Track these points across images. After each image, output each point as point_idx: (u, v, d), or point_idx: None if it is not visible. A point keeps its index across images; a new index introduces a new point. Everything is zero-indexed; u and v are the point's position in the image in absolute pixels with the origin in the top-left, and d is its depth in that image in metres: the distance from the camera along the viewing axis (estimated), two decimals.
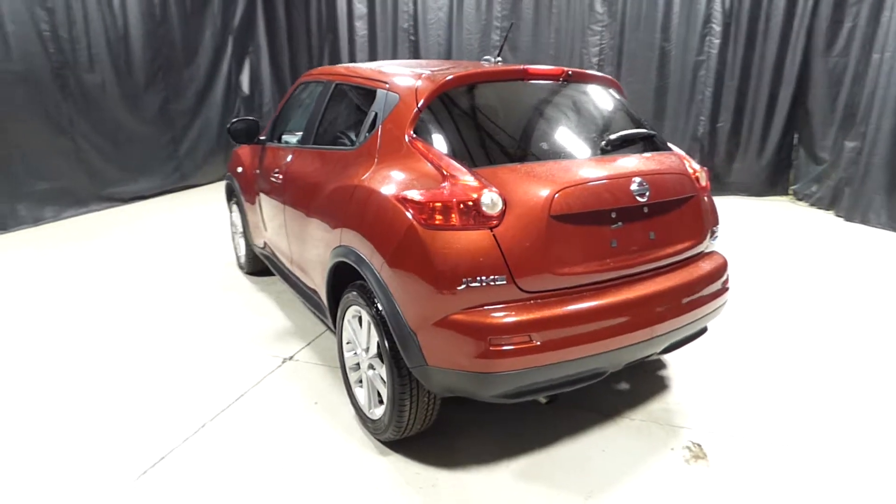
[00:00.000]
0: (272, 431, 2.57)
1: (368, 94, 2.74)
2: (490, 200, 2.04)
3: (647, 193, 2.29)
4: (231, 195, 4.50)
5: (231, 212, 4.64)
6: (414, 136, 2.33)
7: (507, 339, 1.98)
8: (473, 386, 2.07)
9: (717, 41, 7.13)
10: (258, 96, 8.86)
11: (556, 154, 2.38)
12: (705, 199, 2.66)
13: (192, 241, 5.49)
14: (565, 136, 2.55)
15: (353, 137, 2.74)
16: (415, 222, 2.06)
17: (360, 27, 8.33)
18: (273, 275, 4.04)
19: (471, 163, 2.22)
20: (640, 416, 2.73)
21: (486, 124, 2.49)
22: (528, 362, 2.02)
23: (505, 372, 2.01)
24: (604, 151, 2.46)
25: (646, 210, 2.33)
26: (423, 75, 2.53)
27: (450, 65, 2.96)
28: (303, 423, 2.63)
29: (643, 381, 3.03)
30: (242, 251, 4.47)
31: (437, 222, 2.04)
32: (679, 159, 2.68)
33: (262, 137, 3.77)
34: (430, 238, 2.03)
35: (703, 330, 2.70)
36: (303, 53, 8.76)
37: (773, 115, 7.21)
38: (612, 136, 2.50)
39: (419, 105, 2.37)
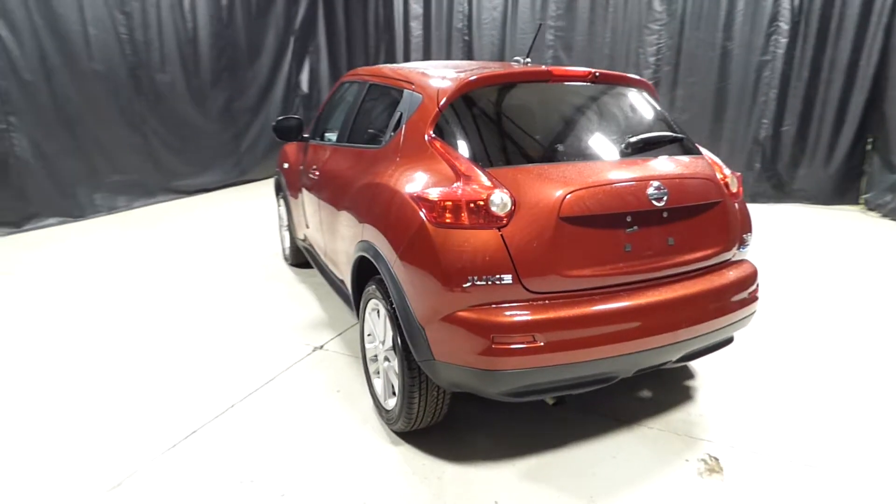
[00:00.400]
0: (294, 415, 2.70)
1: (397, 94, 2.82)
2: (499, 201, 2.07)
3: (666, 198, 2.25)
4: (279, 190, 4.72)
5: (279, 206, 4.86)
6: (433, 135, 2.39)
7: (511, 338, 2.01)
8: (478, 382, 2.11)
9: (783, 40, 6.79)
10: (316, 95, 9.17)
11: (574, 156, 2.37)
12: (734, 205, 2.57)
13: (245, 232, 5.78)
14: (586, 137, 2.54)
15: (381, 136, 2.83)
16: (426, 220, 2.12)
17: (416, 27, 8.47)
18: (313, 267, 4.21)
19: (487, 163, 2.25)
20: (659, 425, 2.67)
21: (505, 125, 2.52)
22: (531, 362, 2.04)
23: (508, 370, 2.04)
24: (624, 154, 2.44)
25: (665, 215, 2.29)
26: (448, 76, 2.59)
27: (480, 66, 3.00)
28: (323, 409, 2.75)
29: (668, 390, 2.96)
30: (287, 243, 4.68)
31: (447, 221, 2.09)
32: (708, 164, 2.61)
33: (305, 135, 3.94)
34: (440, 236, 2.08)
35: (729, 340, 2.62)
36: (360, 53, 8.99)
37: (845, 118, 6.78)
38: (633, 139, 2.46)
39: (440, 105, 2.43)
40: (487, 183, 2.13)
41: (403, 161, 2.48)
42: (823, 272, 4.77)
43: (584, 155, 2.40)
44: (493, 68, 2.76)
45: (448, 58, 8.39)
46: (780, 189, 7.25)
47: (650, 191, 2.23)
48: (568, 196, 2.11)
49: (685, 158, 2.58)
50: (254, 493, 2.19)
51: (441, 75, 2.66)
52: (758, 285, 2.62)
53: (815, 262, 5.01)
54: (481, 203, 2.07)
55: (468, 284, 2.03)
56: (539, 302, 2.08)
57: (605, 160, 2.39)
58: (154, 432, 2.55)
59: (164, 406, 2.75)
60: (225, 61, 7.66)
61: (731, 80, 7.12)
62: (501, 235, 2.06)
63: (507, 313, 2.04)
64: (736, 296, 2.46)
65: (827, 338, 3.58)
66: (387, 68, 3.24)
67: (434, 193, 2.13)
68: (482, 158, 2.28)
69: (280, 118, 3.78)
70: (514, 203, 2.09)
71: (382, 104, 3.05)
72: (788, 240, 5.67)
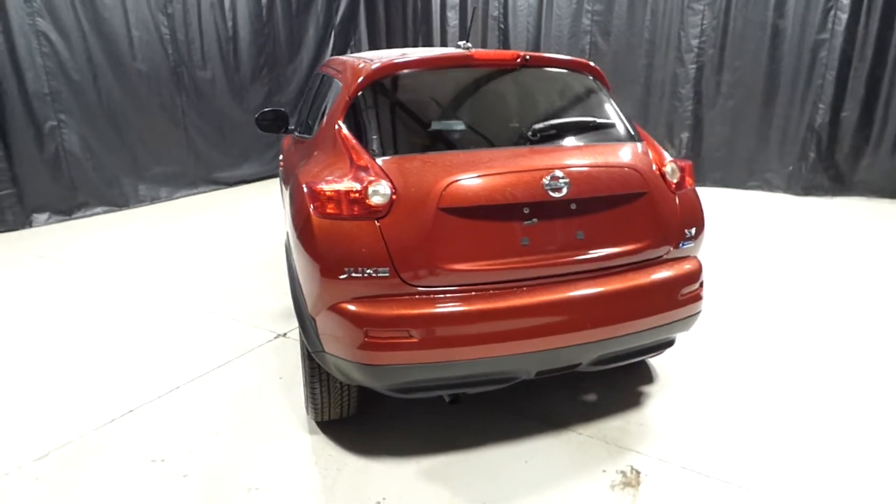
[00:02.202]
0: (230, 400, 2.78)
1: (331, 84, 2.82)
2: (377, 191, 2.02)
3: (566, 189, 2.10)
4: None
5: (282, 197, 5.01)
6: (341, 125, 2.36)
7: (384, 332, 1.97)
8: (360, 376, 2.08)
9: (843, 16, 6.10)
10: None
11: (474, 144, 2.27)
12: (671, 198, 2.35)
13: (267, 222, 6.00)
14: (493, 125, 2.42)
15: (315, 127, 2.84)
16: (311, 211, 2.11)
17: (452, 17, 8.40)
18: None
19: (381, 152, 2.20)
20: (591, 431, 2.52)
21: (409, 113, 2.45)
22: (406, 358, 1.98)
23: (384, 365, 2.00)
24: (531, 142, 2.30)
25: (573, 207, 2.14)
26: (372, 64, 2.54)
27: (415, 52, 2.92)
28: (260, 395, 2.81)
29: (615, 396, 2.78)
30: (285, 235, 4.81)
31: (328, 211, 2.06)
32: (638, 152, 2.40)
33: (290, 127, 4.02)
34: (322, 227, 2.06)
35: (667, 343, 2.42)
36: (397, 43, 9.04)
37: None
38: (539, 126, 2.31)
39: (350, 94, 2.40)
40: (369, 173, 2.08)
41: (318, 151, 2.48)
42: (881, 275, 4.27)
43: (485, 143, 2.29)
44: (419, 55, 2.67)
45: (483, 46, 8.26)
46: (838, 181, 6.56)
47: (546, 181, 2.08)
48: (448, 186, 2.02)
49: (609, 146, 2.40)
50: (159, 472, 2.29)
51: (368, 63, 2.61)
52: (701, 284, 2.39)
53: (872, 264, 4.50)
54: (358, 194, 2.02)
55: (344, 276, 2.00)
56: (418, 297, 2.01)
57: (505, 149, 2.26)
58: (96, 408, 2.72)
59: (114, 383, 2.93)
60: (265, 57, 7.96)
61: (783, 63, 6.52)
62: (379, 227, 2.01)
63: (381, 307, 1.99)
64: (666, 295, 2.26)
65: (846, 354, 3.22)
66: (339, 58, 3.24)
67: (320, 185, 2.11)
68: (378, 148, 2.23)
69: (263, 110, 3.87)
70: (394, 194, 2.03)
71: (323, 94, 3.05)
72: (846, 239, 5.12)
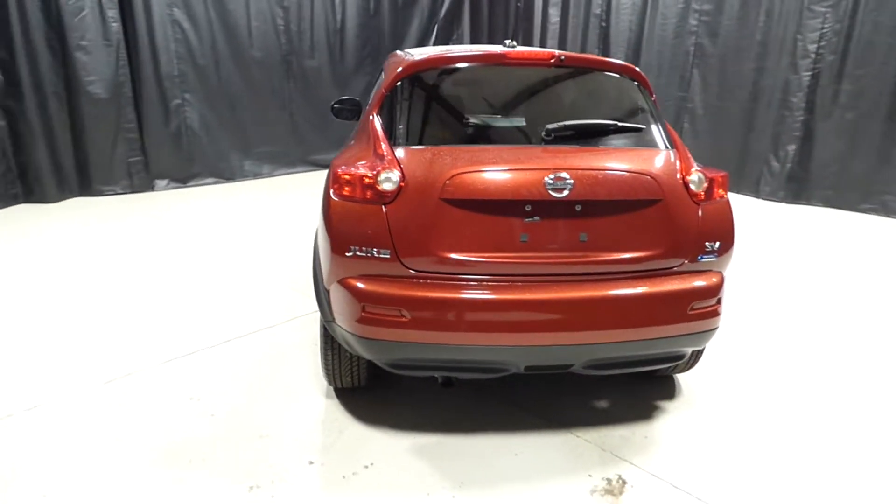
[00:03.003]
0: (269, 358, 3.09)
1: (380, 77, 3.00)
2: (386, 178, 2.17)
3: (569, 190, 2.12)
4: None
5: None
6: (375, 115, 2.54)
7: (379, 309, 2.13)
8: (359, 347, 2.26)
9: None
10: None
11: (490, 140, 2.36)
12: (692, 208, 2.28)
13: None
14: (514, 123, 2.47)
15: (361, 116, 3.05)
16: (332, 192, 2.31)
17: (554, 14, 8.33)
18: None
19: (402, 142, 2.35)
20: (591, 436, 2.53)
21: (435, 108, 2.57)
22: (398, 335, 2.13)
23: (377, 339, 2.16)
24: (546, 142, 2.33)
25: (578, 208, 2.16)
26: (408, 59, 2.68)
27: (459, 49, 3.01)
28: (296, 358, 3.10)
29: (628, 404, 2.76)
30: None
31: (344, 193, 2.25)
32: (662, 159, 2.35)
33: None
34: (337, 206, 2.26)
35: (677, 356, 2.37)
36: (498, 39, 9.09)
37: None
38: (552, 126, 2.33)
39: (386, 87, 2.56)
40: (384, 161, 2.24)
41: (355, 139, 2.68)
42: None
43: (501, 140, 2.36)
44: (457, 52, 2.77)
45: (583, 45, 8.12)
46: None
47: (548, 180, 2.12)
48: (451, 178, 2.13)
49: (629, 151, 2.38)
50: (193, 409, 2.63)
51: (408, 58, 2.76)
52: (719, 301, 2.31)
53: None
54: (370, 180, 2.19)
55: (350, 254, 2.18)
56: (417, 280, 2.15)
57: (518, 146, 2.32)
58: (162, 347, 3.15)
59: (180, 328, 3.37)
60: (369, 49, 8.39)
61: None
62: (385, 212, 2.16)
63: (379, 285, 2.15)
64: (672, 308, 2.21)
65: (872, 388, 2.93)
66: (396, 52, 3.41)
67: (342, 169, 2.30)
68: (399, 138, 2.38)
69: (340, 98, 4.14)
70: (402, 181, 2.17)
71: (374, 87, 3.25)
72: None
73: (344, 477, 2.25)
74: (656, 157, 2.36)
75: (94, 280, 4.07)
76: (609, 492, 2.21)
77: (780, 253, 5.13)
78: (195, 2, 6.65)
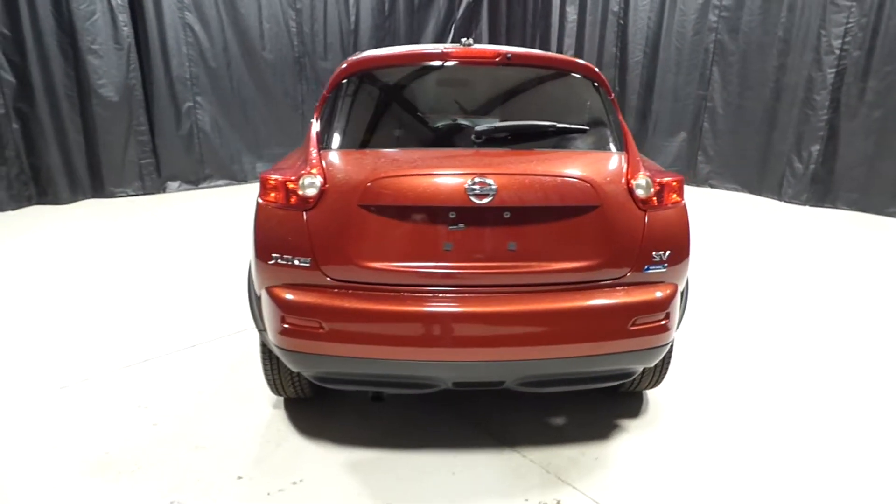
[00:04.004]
0: (228, 364, 3.06)
1: None
2: (306, 183, 2.08)
3: (492, 196, 1.99)
4: None
5: None
6: (314, 120, 2.47)
7: (298, 320, 2.05)
8: (284, 359, 2.18)
9: None
10: None
11: (419, 143, 2.25)
12: (634, 215, 2.12)
13: None
14: (448, 125, 2.35)
15: None
16: (259, 197, 2.24)
17: (571, 12, 8.11)
18: None
19: (329, 146, 2.27)
20: (537, 456, 2.39)
21: (368, 109, 2.47)
22: (317, 348, 2.05)
23: (298, 352, 2.08)
24: (477, 144, 2.21)
25: (506, 215, 2.03)
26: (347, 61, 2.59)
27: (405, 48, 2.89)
28: (255, 365, 3.02)
29: (585, 423, 2.61)
30: None
31: (269, 198, 2.18)
32: (604, 163, 2.20)
33: None
34: (262, 212, 2.19)
35: (624, 374, 2.21)
36: (517, 40, 8.95)
37: None
38: (483, 128, 2.20)
39: (328, 88, 2.49)
40: (311, 166, 2.16)
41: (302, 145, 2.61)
42: None
43: (438, 143, 2.25)
44: (397, 51, 2.66)
45: (601, 43, 7.88)
46: None
47: (469, 186, 2.00)
48: (369, 184, 2.03)
49: (566, 154, 2.25)
50: (138, 416, 2.61)
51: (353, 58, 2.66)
52: (668, 315, 2.13)
53: None
54: (292, 185, 2.11)
55: (272, 262, 2.11)
56: (336, 290, 2.06)
57: (446, 149, 2.21)
58: (122, 351, 3.16)
59: (145, 331, 3.37)
60: None
61: None
62: (306, 218, 2.08)
63: (298, 294, 2.07)
64: (610, 323, 2.06)
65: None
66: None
67: (267, 174, 2.23)
68: (331, 141, 2.30)
69: None
70: (323, 187, 2.08)
71: None
72: None
73: (269, 494, 2.18)
74: (598, 161, 2.21)
75: (89, 281, 4.14)
76: None
77: (802, 259, 4.84)
78: (207, 5, 6.75)
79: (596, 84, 2.50)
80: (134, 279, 4.18)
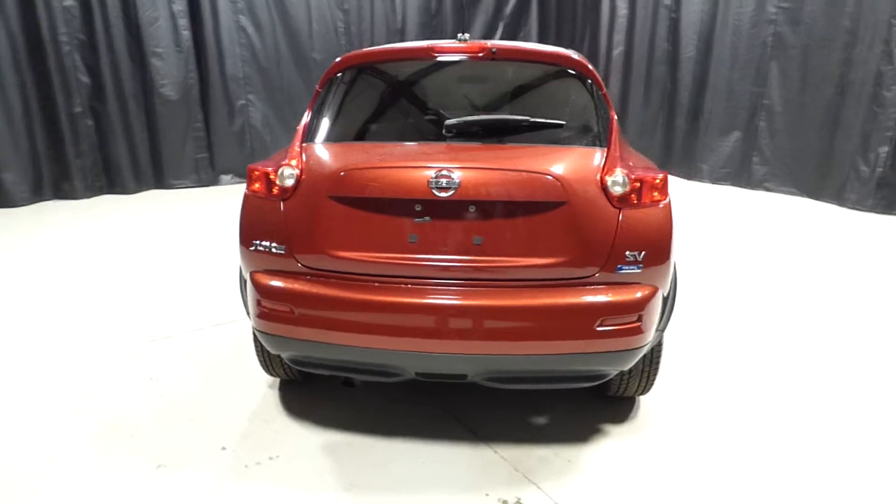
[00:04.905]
0: (236, 345, 3.23)
1: None
2: (283, 174, 2.19)
3: (454, 189, 2.01)
4: None
5: None
6: (306, 113, 2.58)
7: (272, 304, 2.16)
8: (262, 341, 2.30)
9: None
10: None
11: (391, 136, 2.34)
12: (607, 213, 2.07)
13: None
14: (425, 119, 2.39)
15: None
16: (246, 187, 2.38)
17: (621, 6, 7.88)
18: None
19: (315, 139, 2.37)
20: (509, 453, 2.39)
21: (357, 103, 2.54)
22: (287, 331, 2.15)
23: (271, 334, 2.20)
24: (447, 138, 2.24)
25: (471, 209, 2.05)
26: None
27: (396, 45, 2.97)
28: None
29: (567, 423, 2.59)
30: None
31: (253, 188, 2.31)
32: (578, 158, 2.18)
33: None
34: (247, 201, 2.33)
35: (595, 376, 2.18)
36: (567, 36, 8.80)
37: None
38: (452, 122, 2.22)
39: (320, 83, 2.59)
40: (291, 157, 2.26)
41: None
42: None
43: (417, 137, 2.31)
44: (395, 47, 2.74)
45: (652, 37, 7.62)
46: None
47: (433, 179, 2.02)
48: (338, 175, 2.11)
49: (536, 149, 2.24)
50: (148, 387, 2.84)
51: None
52: (640, 318, 2.08)
53: None
54: (272, 176, 2.22)
55: (253, 248, 2.24)
56: (308, 277, 2.15)
57: (418, 143, 2.27)
58: (148, 327, 3.43)
59: (174, 310, 3.63)
60: None
61: None
62: (283, 208, 2.19)
63: (273, 280, 2.18)
64: (574, 323, 2.04)
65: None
66: None
67: (252, 165, 2.36)
68: (315, 134, 2.40)
69: None
70: (299, 178, 2.18)
71: None
72: None
73: (246, 466, 2.31)
74: (570, 156, 2.18)
75: (142, 262, 4.51)
76: None
77: (862, 272, 4.39)
78: (260, 8, 7.09)
79: (583, 77, 2.47)
80: (179, 262, 4.51)
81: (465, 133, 2.27)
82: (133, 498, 2.13)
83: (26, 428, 2.53)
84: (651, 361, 2.45)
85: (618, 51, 8.01)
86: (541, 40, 9.16)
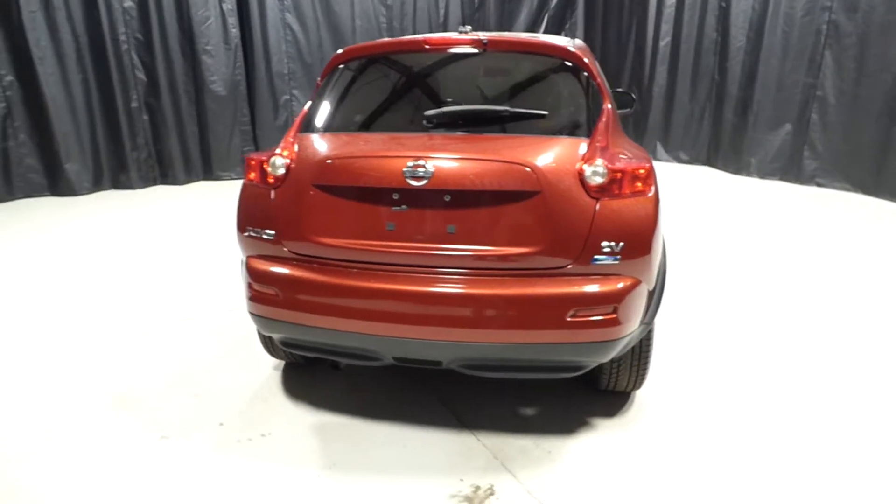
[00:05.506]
0: (249, 329, 3.40)
1: None
2: (274, 163, 2.30)
3: (427, 178, 2.05)
4: None
5: None
6: (308, 104, 2.68)
7: (260, 287, 2.28)
8: (254, 322, 2.43)
9: None
10: None
11: (393, 127, 2.42)
12: (582, 203, 2.06)
13: None
14: (412, 111, 2.43)
15: None
16: (244, 175, 2.50)
17: None
18: None
19: (306, 129, 2.46)
20: (490, 441, 2.43)
21: (349, 94, 2.61)
22: (273, 313, 2.27)
23: (260, 316, 2.32)
24: (428, 129, 2.28)
25: (447, 198, 2.09)
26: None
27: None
28: None
29: (555, 415, 2.60)
30: None
31: (249, 176, 2.43)
32: (556, 148, 2.17)
33: None
34: (244, 188, 2.46)
35: (572, 367, 2.18)
36: (613, 29, 8.60)
37: None
38: (431, 113, 2.25)
39: (321, 76, 2.68)
40: (284, 147, 2.37)
41: None
42: None
43: (405, 128, 2.38)
44: (392, 41, 2.80)
45: (700, 27, 7.34)
46: None
47: (407, 169, 2.07)
48: (321, 165, 2.19)
49: (512, 139, 2.25)
50: (166, 362, 3.04)
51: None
52: (615, 310, 2.06)
53: None
54: (265, 164, 2.33)
55: (247, 234, 2.36)
56: (294, 262, 2.26)
57: (399, 133, 2.35)
58: (192, 305, 3.65)
59: (209, 292, 3.84)
60: None
61: None
62: (273, 195, 2.30)
63: (262, 264, 2.30)
64: (546, 314, 2.04)
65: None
66: None
67: (251, 155, 2.48)
68: (310, 125, 2.50)
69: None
70: (289, 167, 2.28)
71: None
72: None
73: (238, 441, 2.45)
74: (548, 146, 2.17)
75: (188, 247, 4.82)
76: (468, 499, 2.12)
77: None
78: (305, 5, 7.32)
79: (577, 68, 2.45)
80: (217, 249, 4.75)
81: (450, 124, 2.30)
82: (135, 466, 2.31)
83: (42, 396, 2.77)
84: (640, 355, 2.41)
85: (665, 41, 7.76)
86: (587, 32, 9.01)
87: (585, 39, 9.02)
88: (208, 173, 7.37)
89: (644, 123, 8.12)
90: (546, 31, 8.92)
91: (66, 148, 6.48)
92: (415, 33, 8.02)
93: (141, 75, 6.79)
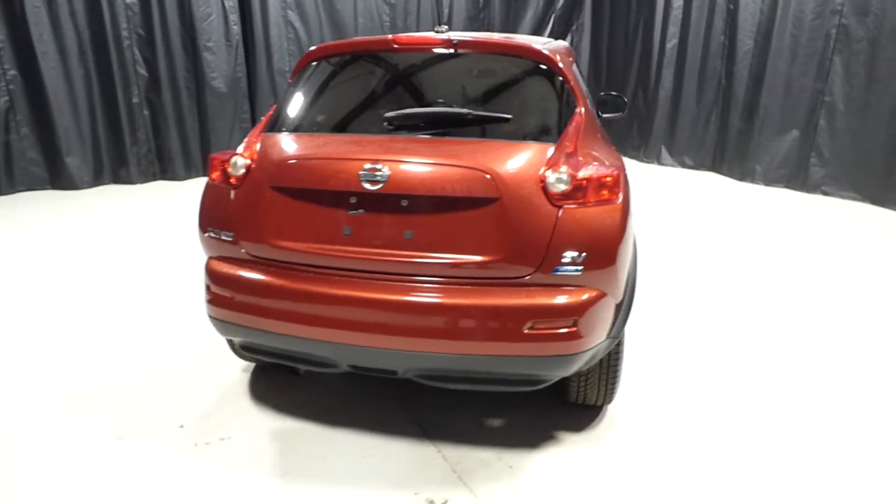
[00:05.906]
0: None
1: None
2: (236, 163, 2.25)
3: (383, 182, 1.99)
4: None
5: None
6: (275, 104, 2.63)
7: (217, 289, 2.24)
8: (212, 324, 2.38)
9: None
10: None
11: (345, 128, 2.36)
12: (544, 211, 1.98)
13: None
14: (374, 112, 2.37)
15: None
16: (208, 175, 2.46)
17: None
18: None
19: (271, 129, 2.42)
20: (451, 453, 2.36)
21: (316, 94, 2.56)
22: (231, 317, 2.23)
23: (217, 319, 2.28)
24: (387, 131, 2.23)
25: (404, 203, 2.03)
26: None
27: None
28: None
29: (522, 427, 2.54)
30: None
31: (212, 176, 2.39)
32: (517, 154, 2.09)
33: None
34: (207, 189, 2.42)
35: (532, 380, 2.11)
36: (620, 30, 8.47)
37: None
38: (391, 115, 2.19)
39: (291, 74, 2.64)
40: (245, 147, 2.32)
41: None
42: None
43: (357, 128, 2.38)
44: (359, 40, 2.77)
45: (708, 30, 7.19)
46: None
47: (363, 172, 2.01)
48: (279, 165, 2.15)
49: (471, 143, 2.18)
50: (136, 361, 3.01)
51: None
52: (575, 323, 1.98)
53: None
54: (226, 164, 2.29)
55: (207, 234, 2.32)
56: (251, 264, 2.21)
57: (358, 135, 2.31)
58: (153, 307, 3.63)
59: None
60: None
61: None
62: (233, 196, 2.25)
63: (219, 266, 2.25)
64: (501, 325, 1.97)
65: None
66: None
67: (215, 155, 2.44)
68: (273, 124, 2.45)
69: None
70: (249, 167, 2.23)
71: None
72: None
73: (196, 445, 2.41)
74: (509, 151, 2.10)
75: (174, 246, 4.78)
76: None
77: None
78: (307, 3, 7.30)
79: (549, 71, 2.37)
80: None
81: (412, 126, 2.24)
82: (89, 468, 2.27)
83: (27, 391, 2.76)
84: (608, 369, 2.33)
85: (671, 44, 7.62)
86: (593, 34, 8.89)
87: (592, 41, 8.94)
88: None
89: (649, 127, 7.98)
90: (552, 32, 8.82)
91: (68, 142, 6.52)
92: (418, 30, 7.97)
93: (142, 71, 6.81)
